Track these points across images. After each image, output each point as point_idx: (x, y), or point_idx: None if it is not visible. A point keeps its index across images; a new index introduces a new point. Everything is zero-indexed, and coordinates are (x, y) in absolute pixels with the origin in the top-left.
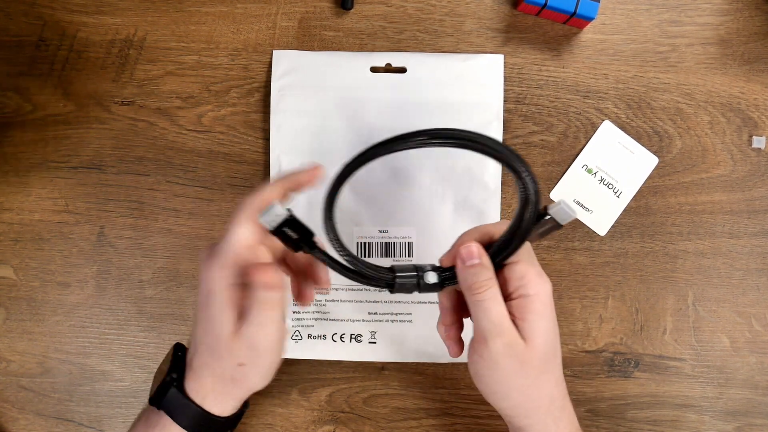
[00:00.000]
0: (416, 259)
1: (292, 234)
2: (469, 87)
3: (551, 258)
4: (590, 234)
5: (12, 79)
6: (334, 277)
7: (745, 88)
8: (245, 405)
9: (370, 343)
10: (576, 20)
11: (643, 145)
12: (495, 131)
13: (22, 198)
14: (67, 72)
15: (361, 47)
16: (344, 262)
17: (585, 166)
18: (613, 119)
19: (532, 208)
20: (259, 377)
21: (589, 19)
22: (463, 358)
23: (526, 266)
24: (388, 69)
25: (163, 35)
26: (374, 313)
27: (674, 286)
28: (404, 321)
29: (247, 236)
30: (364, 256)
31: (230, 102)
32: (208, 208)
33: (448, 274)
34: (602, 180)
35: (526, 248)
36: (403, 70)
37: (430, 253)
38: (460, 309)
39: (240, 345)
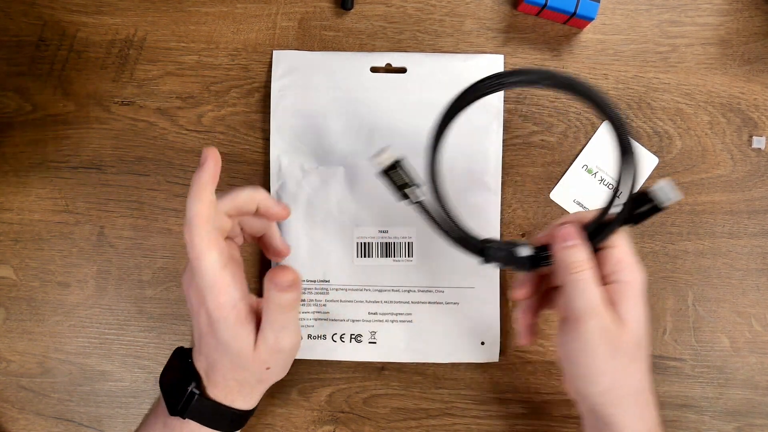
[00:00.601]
0: (416, 260)
1: (399, 178)
2: None
3: None
4: None
5: (12, 79)
6: (337, 278)
7: (745, 88)
8: None
9: (370, 343)
10: (576, 20)
11: (643, 145)
12: (495, 132)
13: (22, 198)
14: (67, 72)
15: (361, 47)
16: (441, 220)
17: (585, 166)
18: None
19: (631, 179)
20: (284, 370)
21: (589, 19)
22: (462, 357)
23: (623, 252)
24: (389, 69)
25: (163, 35)
26: (374, 314)
27: (674, 286)
28: (404, 321)
29: (218, 259)
30: (363, 257)
31: (230, 102)
32: None
33: (542, 254)
34: (602, 180)
35: (624, 235)
36: (403, 70)
37: (431, 253)
38: (540, 295)
39: (265, 353)
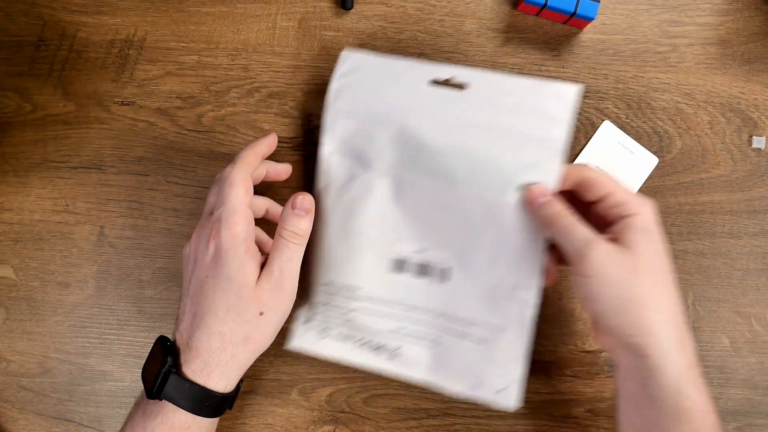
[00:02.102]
0: (451, 285)
1: None
2: (533, 116)
3: None
4: None
5: (12, 79)
6: (368, 287)
7: (745, 88)
8: (239, 384)
9: (389, 359)
10: (576, 20)
11: (642, 145)
12: (551, 172)
13: (22, 198)
14: (67, 72)
15: (361, 47)
16: None
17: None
18: (613, 119)
19: None
20: (272, 328)
21: (589, 19)
22: (477, 396)
23: (620, 193)
24: (449, 83)
25: (163, 35)
26: (398, 331)
27: None
28: (429, 345)
29: (245, 195)
30: (398, 272)
31: (230, 102)
32: None
33: None
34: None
35: (612, 180)
36: (463, 86)
37: (467, 282)
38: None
39: (266, 288)
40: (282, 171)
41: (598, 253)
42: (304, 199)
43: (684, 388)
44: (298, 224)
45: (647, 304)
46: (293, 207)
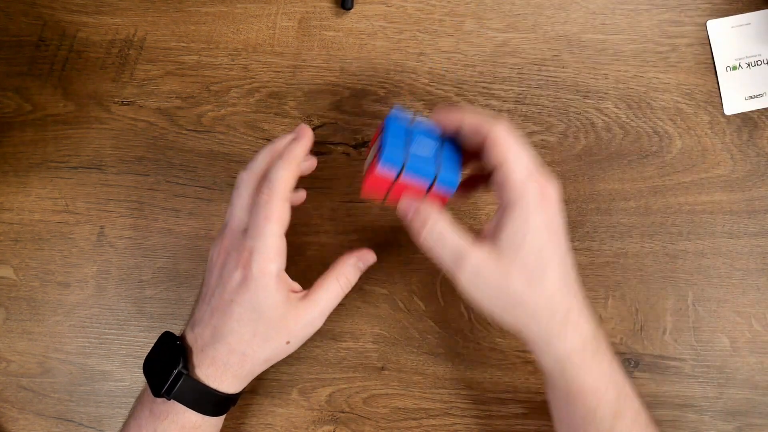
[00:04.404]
0: None
1: None
2: None
3: None
4: (590, 234)
5: (12, 79)
6: None
7: None
8: None
9: None
10: (435, 194)
11: (642, 145)
12: None
13: (22, 198)
14: (67, 72)
15: (361, 47)
16: None
17: (728, 68)
18: (613, 119)
19: None
20: (293, 350)
21: (450, 191)
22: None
23: (505, 171)
24: None
25: (163, 35)
26: None
27: (674, 286)
28: None
29: (280, 228)
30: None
31: (230, 102)
32: (208, 208)
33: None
34: (749, 65)
35: (511, 150)
36: None
37: None
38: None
39: (300, 322)
40: (308, 169)
41: (469, 269)
42: (369, 256)
43: (568, 372)
44: (356, 277)
45: (521, 307)
46: (360, 260)
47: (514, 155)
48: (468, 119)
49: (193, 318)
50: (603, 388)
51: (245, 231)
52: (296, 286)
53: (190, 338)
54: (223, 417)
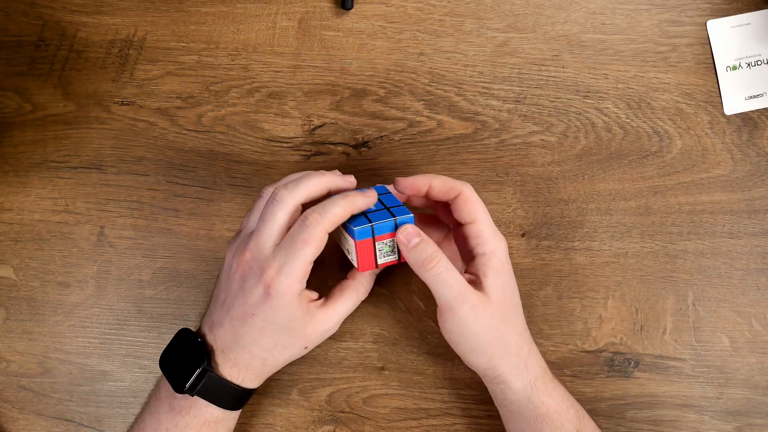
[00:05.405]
0: None
1: None
2: None
3: (551, 258)
4: (590, 234)
5: (12, 79)
6: None
7: None
8: None
9: None
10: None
11: (642, 145)
12: None
13: (22, 198)
14: (67, 72)
15: (361, 47)
16: None
17: (728, 68)
18: (613, 119)
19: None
20: (308, 351)
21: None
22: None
23: (482, 225)
24: None
25: (163, 35)
26: None
27: (674, 286)
28: None
29: (315, 254)
30: None
31: (230, 102)
32: (208, 208)
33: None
34: (750, 64)
35: (480, 206)
36: None
37: None
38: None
39: (318, 329)
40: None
41: (467, 310)
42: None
43: (534, 398)
44: (372, 283)
45: (501, 344)
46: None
47: (483, 214)
48: (436, 183)
49: (212, 319)
50: (564, 408)
51: (276, 245)
52: (314, 294)
53: (210, 338)
54: (240, 410)
